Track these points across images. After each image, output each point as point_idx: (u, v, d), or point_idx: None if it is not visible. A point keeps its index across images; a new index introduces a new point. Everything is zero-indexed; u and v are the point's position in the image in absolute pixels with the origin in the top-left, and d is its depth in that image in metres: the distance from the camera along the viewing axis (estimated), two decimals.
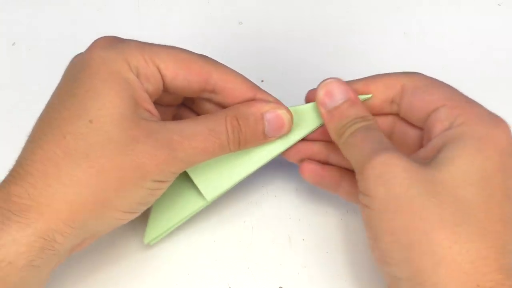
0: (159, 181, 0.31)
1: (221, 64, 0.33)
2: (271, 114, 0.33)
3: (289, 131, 0.34)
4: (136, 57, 0.31)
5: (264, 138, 0.34)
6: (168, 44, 0.34)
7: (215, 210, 0.38)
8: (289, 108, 0.34)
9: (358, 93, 0.33)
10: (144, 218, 0.37)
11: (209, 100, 0.34)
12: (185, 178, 0.36)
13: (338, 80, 0.33)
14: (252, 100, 0.34)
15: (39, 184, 0.28)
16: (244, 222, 0.38)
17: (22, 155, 0.30)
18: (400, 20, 0.48)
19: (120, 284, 0.36)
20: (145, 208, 0.32)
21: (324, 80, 0.33)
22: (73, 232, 0.29)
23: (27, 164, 0.29)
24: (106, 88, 0.30)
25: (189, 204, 0.36)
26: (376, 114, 0.34)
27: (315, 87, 0.34)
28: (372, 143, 0.30)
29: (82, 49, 0.33)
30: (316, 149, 0.36)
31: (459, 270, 0.26)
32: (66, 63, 0.33)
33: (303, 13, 0.49)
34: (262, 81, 0.45)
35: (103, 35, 0.33)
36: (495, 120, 0.30)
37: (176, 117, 0.37)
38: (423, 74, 0.33)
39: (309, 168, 0.35)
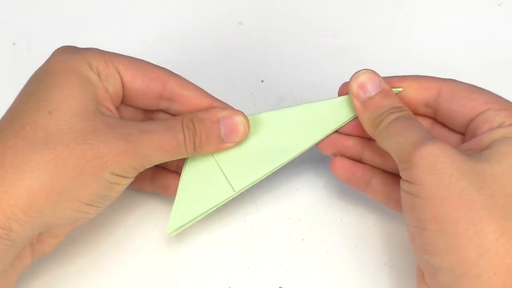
0: (118, 175, 0.31)
1: (178, 74, 0.34)
2: (227, 119, 0.34)
3: (245, 136, 0.34)
4: (96, 59, 0.32)
5: (220, 142, 0.34)
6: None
7: (215, 210, 0.38)
8: (322, 101, 0.35)
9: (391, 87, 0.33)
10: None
11: (167, 112, 0.35)
12: (211, 168, 0.35)
13: (370, 71, 0.33)
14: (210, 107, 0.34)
15: None
16: (244, 222, 0.38)
17: None
18: (400, 20, 0.48)
19: (119, 284, 0.36)
20: (106, 202, 0.32)
21: (356, 72, 0.34)
22: (30, 220, 0.29)
23: None
24: (67, 84, 0.30)
25: (215, 195, 0.35)
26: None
27: (344, 81, 0.34)
28: (417, 132, 0.30)
29: None
30: (350, 144, 0.35)
31: (502, 264, 0.26)
32: None
33: (303, 13, 0.49)
34: (262, 81, 0.45)
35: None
36: None
37: None
38: (459, 81, 0.33)
39: (342, 164, 0.35)
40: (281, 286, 0.36)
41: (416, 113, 0.34)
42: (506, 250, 0.26)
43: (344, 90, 0.35)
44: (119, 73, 0.33)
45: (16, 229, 0.28)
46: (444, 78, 0.33)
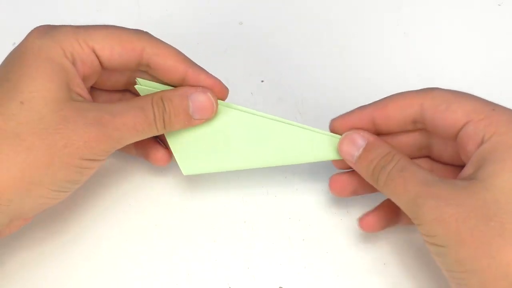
0: (89, 160, 0.31)
1: (155, 39, 0.34)
2: (196, 96, 0.34)
3: (214, 114, 0.34)
4: (70, 43, 0.32)
5: (189, 119, 0.34)
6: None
7: (215, 210, 0.38)
8: (313, 130, 0.34)
9: (374, 120, 0.34)
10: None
11: (147, 73, 0.35)
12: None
13: (349, 134, 0.34)
14: (184, 76, 0.34)
15: None
16: (244, 222, 0.38)
17: None
18: (400, 20, 0.48)
19: (119, 284, 0.36)
20: (75, 187, 0.33)
21: (341, 138, 0.34)
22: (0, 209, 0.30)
23: None
24: (39, 73, 0.31)
25: None
26: (402, 132, 0.34)
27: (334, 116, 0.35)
28: (412, 185, 0.30)
29: None
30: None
31: None
32: None
33: (303, 13, 0.49)
34: (262, 81, 0.45)
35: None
36: None
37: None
38: (440, 89, 0.32)
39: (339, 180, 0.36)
40: (281, 286, 0.36)
41: (407, 131, 0.34)
42: None
43: (332, 127, 0.35)
44: (95, 52, 0.33)
45: None
46: (426, 90, 0.33)
